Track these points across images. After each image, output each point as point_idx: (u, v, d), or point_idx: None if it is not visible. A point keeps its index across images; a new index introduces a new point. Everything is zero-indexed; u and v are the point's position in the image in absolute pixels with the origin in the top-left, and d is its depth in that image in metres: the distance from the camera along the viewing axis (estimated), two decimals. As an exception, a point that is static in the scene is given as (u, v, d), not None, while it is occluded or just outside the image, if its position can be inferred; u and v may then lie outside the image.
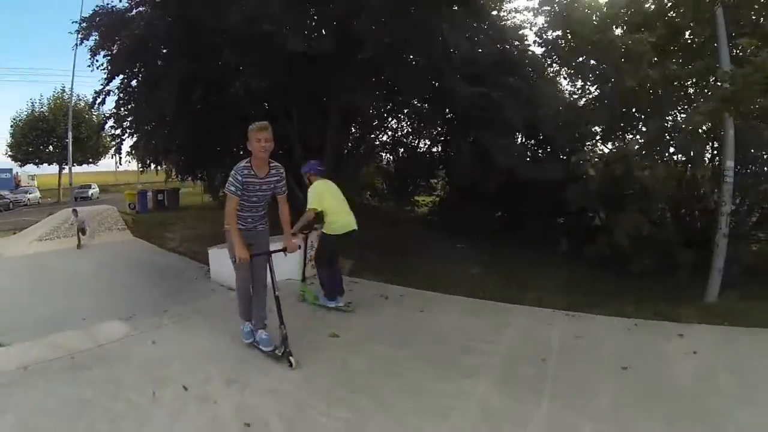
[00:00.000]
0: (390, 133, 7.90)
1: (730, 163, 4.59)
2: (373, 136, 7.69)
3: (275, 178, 2.95)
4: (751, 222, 5.47)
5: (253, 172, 2.81)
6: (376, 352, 2.83)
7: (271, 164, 2.91)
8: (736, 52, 4.81)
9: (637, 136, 4.99)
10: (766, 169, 5.39)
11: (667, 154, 5.04)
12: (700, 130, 4.87)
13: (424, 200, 9.53)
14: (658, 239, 5.37)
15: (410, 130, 7.95)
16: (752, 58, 4.37)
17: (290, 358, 2.64)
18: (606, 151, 5.49)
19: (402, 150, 8.06)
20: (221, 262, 4.56)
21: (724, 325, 3.75)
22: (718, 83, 4.49)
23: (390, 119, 7.65)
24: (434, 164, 7.33)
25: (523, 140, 7.30)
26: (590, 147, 5.77)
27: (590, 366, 2.71)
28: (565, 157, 6.02)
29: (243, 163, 2.83)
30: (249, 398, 2.24)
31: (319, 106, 6.29)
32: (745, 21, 4.99)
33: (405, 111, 7.27)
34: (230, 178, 2.80)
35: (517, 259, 6.03)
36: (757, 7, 4.93)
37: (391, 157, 7.79)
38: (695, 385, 2.52)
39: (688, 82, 4.87)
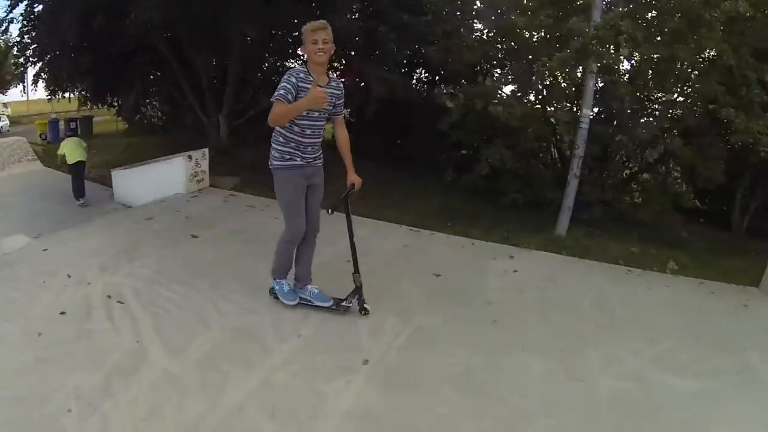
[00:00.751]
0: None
1: (586, 111, 5.67)
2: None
3: (337, 92, 2.74)
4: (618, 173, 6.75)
5: (311, 78, 2.51)
6: (225, 247, 3.96)
7: (331, 75, 2.74)
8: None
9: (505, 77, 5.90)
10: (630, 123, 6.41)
11: (531, 97, 6.07)
12: (561, 79, 5.83)
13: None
14: (531, 175, 6.49)
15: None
16: (605, 16, 5.32)
17: (365, 306, 2.91)
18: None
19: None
20: (123, 183, 5.31)
21: (561, 254, 4.98)
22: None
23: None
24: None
25: (420, 74, 8.27)
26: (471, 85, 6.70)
27: (405, 271, 3.74)
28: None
29: (299, 67, 2.67)
30: (114, 279, 3.25)
31: (222, 38, 6.87)
32: None
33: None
34: (281, 83, 2.49)
35: (401, 185, 7.17)
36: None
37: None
38: (497, 294, 3.47)
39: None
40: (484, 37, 6.14)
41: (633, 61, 6.12)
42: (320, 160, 2.86)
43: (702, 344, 3.26)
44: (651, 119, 6.49)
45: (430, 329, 2.89)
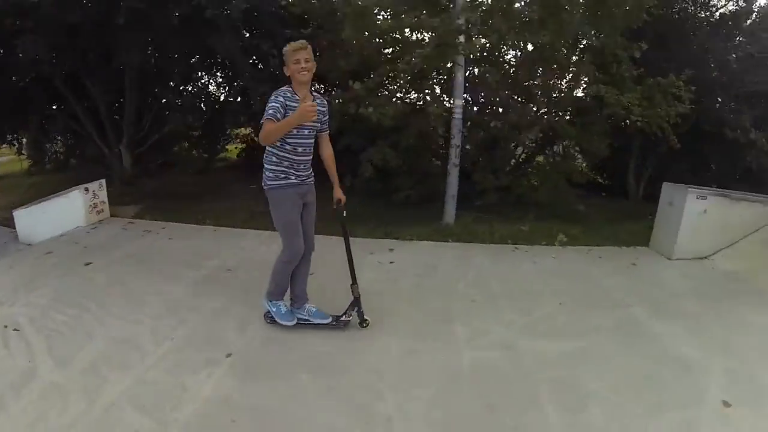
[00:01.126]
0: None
1: (458, 101, 6.45)
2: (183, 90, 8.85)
3: (323, 109, 2.97)
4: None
5: (297, 96, 2.77)
6: (117, 270, 4.54)
7: (314, 93, 2.99)
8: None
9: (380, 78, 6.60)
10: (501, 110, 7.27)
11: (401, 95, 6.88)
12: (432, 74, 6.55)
13: (236, 148, 11.30)
14: (422, 171, 7.22)
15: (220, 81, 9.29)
16: (443, 15, 6.10)
17: (365, 318, 3.20)
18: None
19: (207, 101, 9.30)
20: (25, 222, 5.66)
21: (446, 242, 5.79)
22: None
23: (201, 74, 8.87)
24: (238, 113, 8.71)
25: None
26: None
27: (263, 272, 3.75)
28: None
29: (284, 87, 2.85)
30: (12, 311, 3.74)
31: (115, 67, 7.31)
32: None
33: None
34: (269, 103, 2.74)
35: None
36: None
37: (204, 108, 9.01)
38: (370, 285, 3.87)
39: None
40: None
41: (516, 51, 7.08)
42: (312, 179, 3.10)
43: (582, 306, 3.79)
44: (531, 104, 7.41)
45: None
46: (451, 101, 6.59)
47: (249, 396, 2.63)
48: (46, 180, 9.46)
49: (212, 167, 10.83)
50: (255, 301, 3.59)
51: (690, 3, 8.65)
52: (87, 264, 4.64)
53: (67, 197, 5.70)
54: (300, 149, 2.92)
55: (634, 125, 6.53)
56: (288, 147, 2.89)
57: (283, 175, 2.94)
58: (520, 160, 8.30)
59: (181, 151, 10.56)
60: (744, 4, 8.52)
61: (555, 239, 6.27)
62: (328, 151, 3.17)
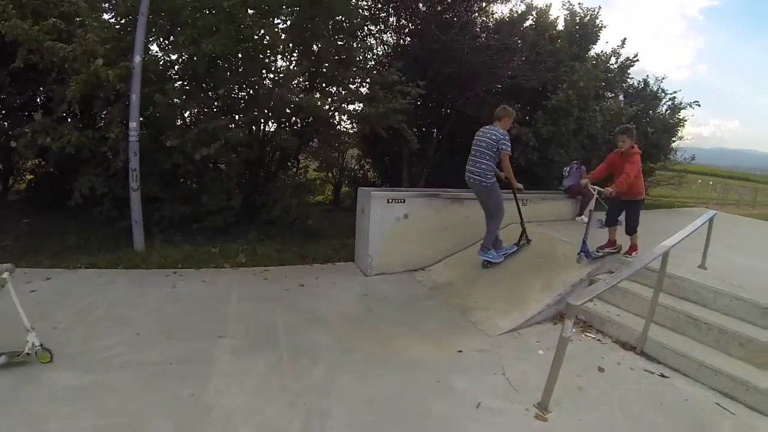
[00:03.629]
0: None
1: (133, 124, 6.09)
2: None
3: None
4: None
5: None
6: None
7: None
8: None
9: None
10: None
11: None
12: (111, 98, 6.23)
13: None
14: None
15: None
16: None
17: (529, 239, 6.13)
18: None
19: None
20: None
21: (115, 268, 5.53)
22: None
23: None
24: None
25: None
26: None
27: None
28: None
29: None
30: None
31: None
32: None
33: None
34: (508, 141, 5.14)
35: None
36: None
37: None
38: None
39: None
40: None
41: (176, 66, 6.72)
42: None
43: (157, 337, 3.83)
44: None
45: None
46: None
47: None
48: None
49: (5, 201, 10.07)
50: None
51: None
52: None
53: None
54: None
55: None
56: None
57: (495, 177, 5.32)
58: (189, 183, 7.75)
59: None
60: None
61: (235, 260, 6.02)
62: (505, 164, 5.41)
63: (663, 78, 11.77)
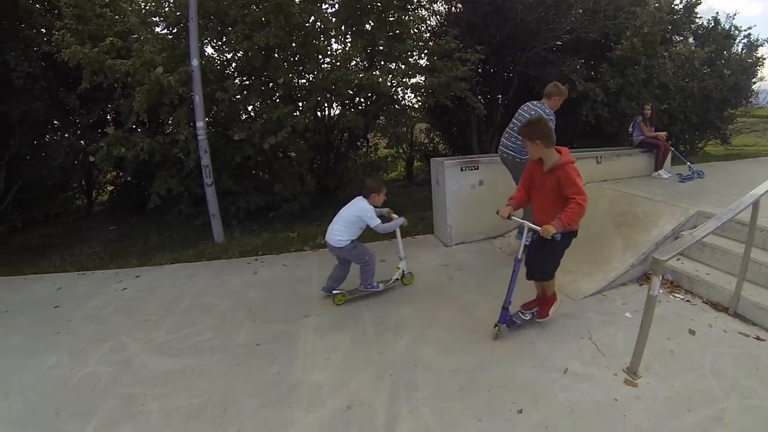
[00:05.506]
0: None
1: (200, 124, 6.31)
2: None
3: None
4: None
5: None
6: None
7: None
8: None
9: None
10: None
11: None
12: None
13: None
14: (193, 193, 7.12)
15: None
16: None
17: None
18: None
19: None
20: None
21: (199, 261, 5.77)
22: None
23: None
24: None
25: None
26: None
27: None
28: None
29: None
30: None
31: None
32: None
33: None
34: (553, 120, 4.45)
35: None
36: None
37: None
38: (93, 312, 4.35)
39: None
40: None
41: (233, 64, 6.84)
42: None
43: (261, 318, 3.97)
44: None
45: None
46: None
47: None
48: None
49: (91, 212, 10.98)
50: None
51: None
52: None
53: None
54: None
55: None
56: None
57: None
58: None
59: (64, 201, 10.85)
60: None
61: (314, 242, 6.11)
62: None
63: (734, 14, 10.90)
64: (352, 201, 4.14)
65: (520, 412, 2.60)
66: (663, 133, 7.34)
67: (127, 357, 3.47)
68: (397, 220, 4.19)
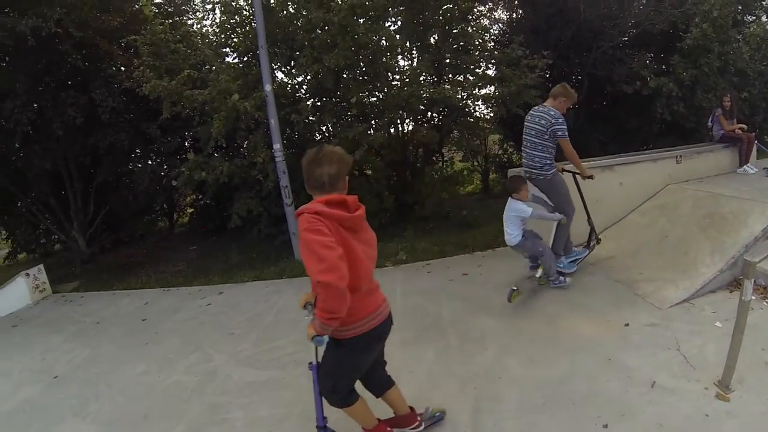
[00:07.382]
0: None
1: (277, 146, 6.62)
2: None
3: None
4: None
5: None
6: (31, 328, 5.61)
7: None
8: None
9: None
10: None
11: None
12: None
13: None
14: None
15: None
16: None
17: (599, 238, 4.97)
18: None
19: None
20: None
21: (280, 278, 6.06)
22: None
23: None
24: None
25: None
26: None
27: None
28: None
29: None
30: None
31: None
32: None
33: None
34: (563, 125, 4.13)
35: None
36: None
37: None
38: (176, 325, 4.76)
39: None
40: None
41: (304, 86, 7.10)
42: None
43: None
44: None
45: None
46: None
47: None
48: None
49: (173, 233, 11.64)
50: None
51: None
52: (14, 326, 5.64)
53: (14, 282, 6.79)
54: None
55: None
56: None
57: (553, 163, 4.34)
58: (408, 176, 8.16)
59: (148, 223, 11.58)
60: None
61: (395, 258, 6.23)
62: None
63: (811, -15, 10.10)
64: (506, 204, 4.41)
65: (606, 426, 2.53)
66: (741, 126, 6.98)
67: (213, 368, 3.70)
68: (555, 214, 4.41)
